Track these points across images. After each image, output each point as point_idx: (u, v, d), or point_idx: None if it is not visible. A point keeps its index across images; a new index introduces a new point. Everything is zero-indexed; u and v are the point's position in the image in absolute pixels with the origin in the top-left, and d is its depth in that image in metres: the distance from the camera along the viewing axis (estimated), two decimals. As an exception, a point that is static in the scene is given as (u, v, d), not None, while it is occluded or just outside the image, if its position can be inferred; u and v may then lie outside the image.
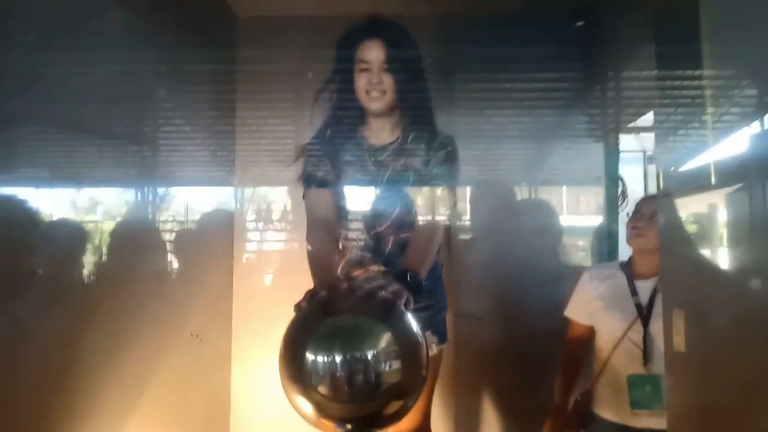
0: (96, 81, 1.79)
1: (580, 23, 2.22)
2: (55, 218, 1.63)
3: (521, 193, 2.46)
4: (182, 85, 2.23)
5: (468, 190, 2.53)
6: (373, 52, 1.49)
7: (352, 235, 1.57)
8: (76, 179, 1.73)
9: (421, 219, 1.60)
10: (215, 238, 2.31)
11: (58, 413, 1.35)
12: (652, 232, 1.74)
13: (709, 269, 1.34)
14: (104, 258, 1.79)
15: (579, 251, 2.47)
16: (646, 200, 1.86)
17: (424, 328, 1.47)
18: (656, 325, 1.67)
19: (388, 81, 1.49)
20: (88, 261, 1.73)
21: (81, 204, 1.77)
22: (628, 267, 1.84)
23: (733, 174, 1.22)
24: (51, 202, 1.65)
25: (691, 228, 1.43)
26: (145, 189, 2.14)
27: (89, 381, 1.42)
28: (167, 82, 2.18)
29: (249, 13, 2.31)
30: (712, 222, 1.35)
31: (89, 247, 1.73)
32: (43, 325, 1.35)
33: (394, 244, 1.54)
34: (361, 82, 1.50)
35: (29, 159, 1.63)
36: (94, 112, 1.86)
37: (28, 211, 1.52)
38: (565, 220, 2.45)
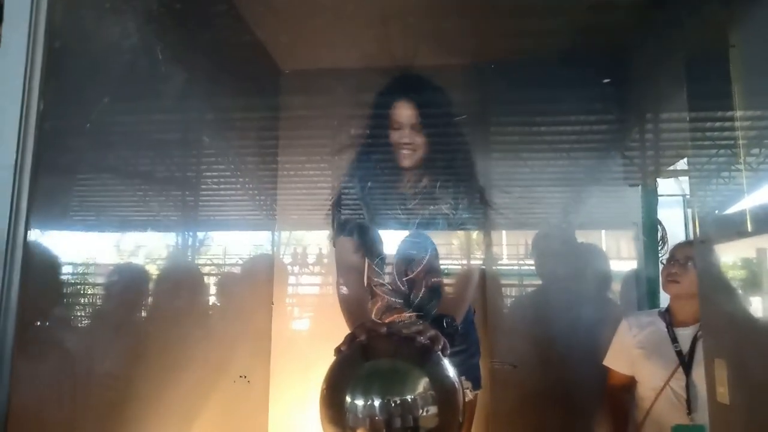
0: (145, 130, 1.89)
1: (606, 81, 2.25)
2: (113, 262, 1.71)
3: (559, 237, 2.44)
4: (228, 133, 2.34)
5: (504, 234, 2.54)
6: (405, 113, 1.55)
7: (383, 280, 1.61)
8: (121, 224, 1.82)
9: (457, 264, 1.62)
10: (256, 281, 2.37)
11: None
12: (687, 278, 1.74)
13: (753, 318, 1.32)
14: (153, 300, 1.86)
15: (618, 297, 2.43)
16: (680, 246, 1.87)
17: (458, 374, 1.50)
18: (699, 373, 1.64)
19: (419, 140, 1.55)
20: (140, 303, 1.80)
21: (125, 247, 1.85)
22: (666, 314, 1.82)
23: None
24: (98, 245, 1.72)
25: (733, 274, 1.41)
26: (191, 232, 2.23)
27: (142, 417, 1.47)
28: (214, 130, 2.30)
29: (292, 67, 2.44)
30: (757, 268, 1.33)
31: (142, 289, 1.81)
32: (101, 363, 1.43)
33: (426, 289, 1.57)
34: (393, 138, 1.56)
35: (80, 204, 1.72)
36: (144, 159, 1.96)
37: (81, 255, 1.60)
38: (604, 265, 2.42)
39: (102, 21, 1.46)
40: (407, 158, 1.56)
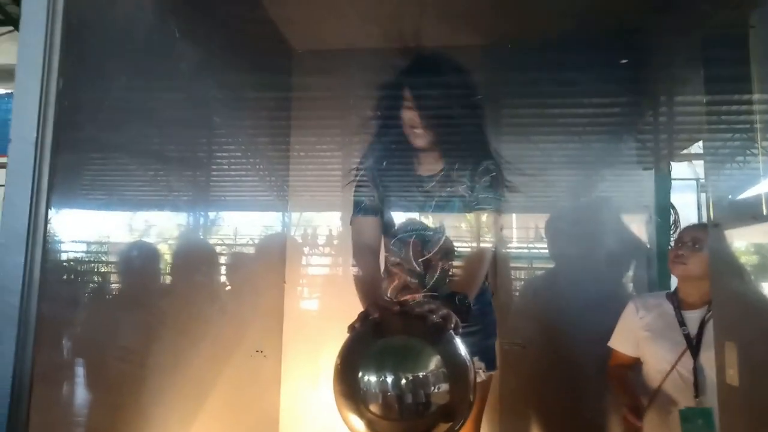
0: (156, 108, 1.89)
1: (624, 61, 2.22)
2: (130, 240, 1.73)
3: (571, 220, 2.44)
4: (240, 113, 2.34)
5: (514, 217, 2.54)
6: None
7: (399, 260, 1.62)
8: (137, 203, 1.83)
9: (469, 245, 1.63)
10: (268, 261, 2.40)
11: (130, 420, 1.44)
12: (694, 260, 1.73)
13: (764, 301, 1.32)
14: (168, 278, 1.89)
15: (629, 280, 2.43)
16: (689, 229, 1.86)
17: (472, 354, 1.51)
18: (706, 356, 1.64)
19: (432, 120, 1.54)
20: (156, 280, 1.83)
21: (141, 226, 1.86)
22: (674, 297, 1.82)
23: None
24: (115, 223, 1.74)
25: (746, 259, 1.41)
26: (207, 213, 2.25)
27: (158, 391, 1.50)
28: (226, 110, 2.29)
29: (305, 47, 2.43)
30: (768, 253, 1.33)
31: (158, 267, 1.83)
32: (118, 337, 1.46)
33: (441, 270, 1.58)
34: (406, 118, 1.56)
35: (90, 183, 1.73)
36: (159, 138, 1.97)
37: (100, 233, 1.62)
38: (615, 248, 2.42)
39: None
40: (420, 138, 1.56)
